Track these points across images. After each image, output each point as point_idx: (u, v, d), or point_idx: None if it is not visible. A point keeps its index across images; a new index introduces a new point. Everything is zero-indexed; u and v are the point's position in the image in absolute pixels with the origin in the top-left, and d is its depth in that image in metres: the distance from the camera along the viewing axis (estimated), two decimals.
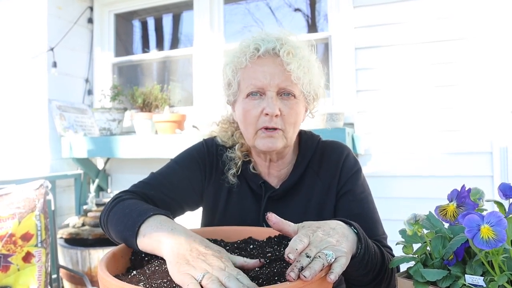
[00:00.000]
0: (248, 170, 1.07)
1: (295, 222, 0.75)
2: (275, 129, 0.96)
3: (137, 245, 0.79)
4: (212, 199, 1.11)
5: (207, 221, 1.12)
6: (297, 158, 1.08)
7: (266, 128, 0.96)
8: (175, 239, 0.72)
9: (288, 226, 0.73)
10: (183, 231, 0.76)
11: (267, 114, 0.95)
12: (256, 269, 0.70)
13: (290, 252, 0.62)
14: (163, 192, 1.03)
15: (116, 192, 1.58)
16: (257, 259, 0.73)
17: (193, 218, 1.25)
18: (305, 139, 1.10)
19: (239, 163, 1.08)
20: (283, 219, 0.73)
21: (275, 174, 1.08)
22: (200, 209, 1.16)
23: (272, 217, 0.72)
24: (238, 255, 0.78)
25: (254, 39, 0.99)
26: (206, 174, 1.11)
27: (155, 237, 0.76)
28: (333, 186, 1.05)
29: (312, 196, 1.05)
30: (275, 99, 0.96)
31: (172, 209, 1.04)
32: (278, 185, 1.07)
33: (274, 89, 0.96)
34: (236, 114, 1.06)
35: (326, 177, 1.06)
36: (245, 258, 0.73)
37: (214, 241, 0.90)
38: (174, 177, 1.07)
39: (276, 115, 0.95)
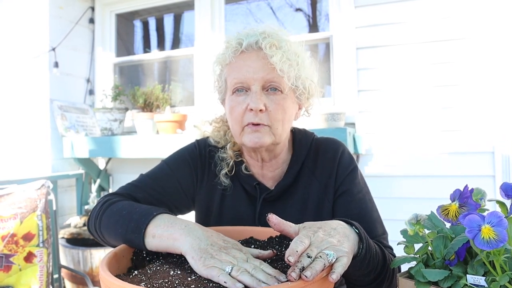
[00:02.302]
0: (241, 171, 1.04)
1: (293, 223, 0.75)
2: (262, 124, 0.93)
3: (145, 246, 0.79)
4: (205, 203, 1.08)
5: (202, 224, 1.09)
6: (292, 157, 1.05)
7: (251, 123, 0.93)
8: (193, 236, 0.74)
9: (289, 227, 0.73)
10: (197, 226, 0.78)
11: (251, 110, 0.92)
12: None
13: (290, 255, 0.61)
14: (151, 195, 1.01)
15: None
16: (270, 250, 0.76)
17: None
18: (299, 138, 1.07)
19: (231, 163, 1.05)
20: (284, 220, 0.73)
21: (269, 175, 1.05)
22: (193, 213, 1.14)
23: (272, 218, 0.72)
24: None
25: (238, 34, 0.97)
26: (198, 176, 1.08)
27: (168, 236, 0.76)
28: (330, 185, 1.02)
29: (309, 196, 1.02)
30: (259, 94, 0.92)
31: None
32: (273, 186, 1.04)
33: (258, 83, 0.93)
34: (225, 111, 1.04)
35: (323, 176, 1.03)
36: (259, 250, 0.76)
37: None
38: (163, 180, 1.04)
39: (261, 110, 0.92)
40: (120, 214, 0.87)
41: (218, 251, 0.69)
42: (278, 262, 0.73)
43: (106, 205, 0.92)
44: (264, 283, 0.61)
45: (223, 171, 1.05)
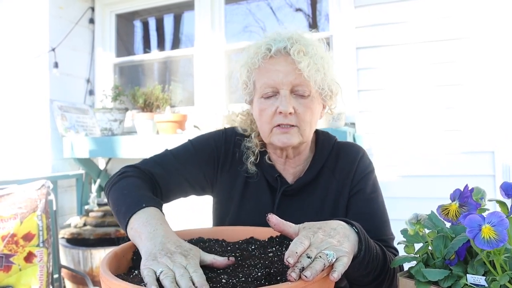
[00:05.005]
0: (265, 161, 1.08)
1: (310, 219, 0.76)
2: (291, 125, 0.97)
3: (127, 233, 0.86)
4: (227, 189, 1.11)
5: (222, 211, 1.12)
6: (314, 156, 1.09)
7: (280, 125, 0.98)
8: (152, 241, 0.76)
9: (289, 227, 0.73)
10: (162, 233, 0.78)
11: (281, 113, 0.96)
12: (260, 270, 0.70)
13: (289, 256, 0.62)
14: (168, 171, 1.06)
15: None
16: (226, 257, 0.74)
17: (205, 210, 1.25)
18: (322, 139, 1.11)
19: (256, 151, 1.09)
20: (283, 220, 0.73)
21: (290, 171, 1.09)
22: (210, 204, 1.17)
23: (272, 218, 0.72)
24: (239, 255, 0.78)
25: (266, 39, 1.00)
26: (220, 162, 1.12)
27: (139, 234, 0.80)
28: (347, 185, 1.06)
29: (327, 194, 1.06)
30: (288, 98, 0.96)
31: (175, 190, 1.08)
32: (293, 181, 1.07)
33: (287, 87, 0.97)
34: (253, 112, 1.07)
35: (341, 176, 1.07)
36: (214, 256, 0.75)
37: (215, 241, 0.90)
38: (185, 157, 1.09)
39: (290, 113, 0.96)
40: (122, 192, 0.94)
41: (163, 255, 0.70)
42: (279, 262, 0.73)
43: (120, 177, 1.00)
44: None
45: (251, 159, 1.08)
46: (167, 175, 1.06)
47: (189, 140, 1.14)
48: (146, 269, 0.66)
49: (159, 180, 1.05)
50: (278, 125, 0.98)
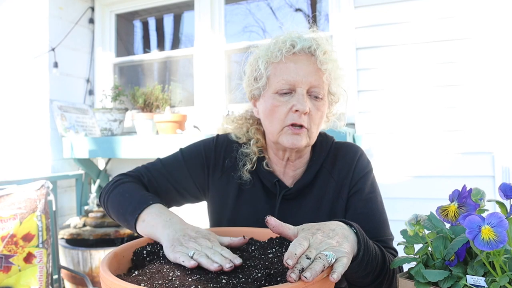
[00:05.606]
0: (262, 167, 1.07)
1: (308, 221, 0.77)
2: (301, 126, 0.97)
3: (136, 228, 0.91)
4: (219, 195, 1.10)
5: (216, 218, 1.12)
6: (312, 157, 1.08)
7: (293, 125, 0.97)
8: (171, 228, 0.83)
9: (288, 229, 0.73)
10: (178, 220, 0.87)
11: (296, 111, 0.95)
12: (260, 271, 0.70)
13: (289, 258, 0.61)
14: (157, 179, 1.08)
15: None
16: (241, 237, 0.84)
17: (201, 214, 1.25)
18: (320, 140, 1.11)
19: (254, 158, 1.08)
20: (282, 222, 0.73)
21: (290, 174, 1.08)
22: (204, 210, 1.17)
23: (271, 220, 0.73)
24: (239, 256, 0.79)
25: (290, 36, 1.00)
26: (210, 169, 1.11)
27: (153, 224, 0.87)
28: (346, 185, 1.05)
29: (325, 195, 1.05)
30: (305, 97, 0.96)
31: (165, 198, 1.09)
32: (292, 184, 1.07)
33: (305, 87, 0.96)
34: (259, 109, 1.05)
35: (340, 176, 1.06)
36: (231, 237, 0.84)
37: None
38: (174, 166, 1.10)
39: (305, 113, 0.96)
40: (124, 196, 0.98)
41: (188, 240, 0.77)
42: (279, 263, 0.73)
43: (116, 184, 1.03)
44: (218, 263, 0.69)
45: (247, 167, 1.07)
46: (156, 183, 1.08)
47: (180, 149, 1.15)
48: (177, 253, 0.72)
49: (149, 188, 1.07)
50: (290, 125, 0.97)
